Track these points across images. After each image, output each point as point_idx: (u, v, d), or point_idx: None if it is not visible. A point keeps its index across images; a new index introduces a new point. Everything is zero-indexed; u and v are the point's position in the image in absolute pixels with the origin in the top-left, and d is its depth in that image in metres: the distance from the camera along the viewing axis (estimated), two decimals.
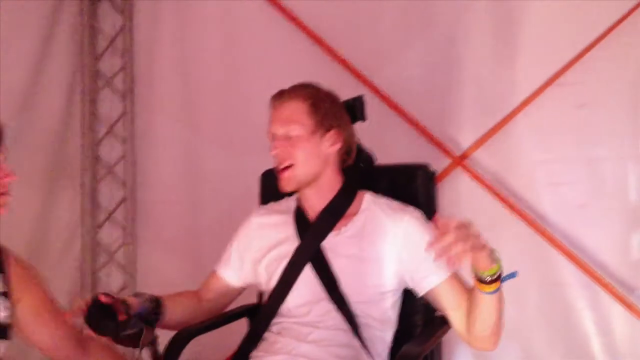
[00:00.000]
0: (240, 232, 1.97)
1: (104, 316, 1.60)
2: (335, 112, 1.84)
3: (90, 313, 1.62)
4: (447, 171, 2.71)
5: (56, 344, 1.75)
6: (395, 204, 1.84)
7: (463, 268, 1.74)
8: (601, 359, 2.54)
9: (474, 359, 2.67)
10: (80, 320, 1.64)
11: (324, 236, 1.80)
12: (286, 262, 1.81)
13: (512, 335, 2.58)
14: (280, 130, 1.80)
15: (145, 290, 3.16)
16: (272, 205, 2.00)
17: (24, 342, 1.74)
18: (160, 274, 3.18)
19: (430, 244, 1.42)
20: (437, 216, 1.51)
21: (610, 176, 2.57)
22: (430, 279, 1.73)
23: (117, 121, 3.27)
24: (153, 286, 3.16)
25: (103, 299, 1.62)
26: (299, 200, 1.90)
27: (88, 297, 1.66)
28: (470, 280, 1.65)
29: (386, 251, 1.76)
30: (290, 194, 1.94)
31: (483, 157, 2.70)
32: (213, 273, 2.01)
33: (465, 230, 1.43)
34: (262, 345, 1.82)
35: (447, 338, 1.94)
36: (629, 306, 2.49)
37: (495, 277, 1.53)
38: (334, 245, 1.79)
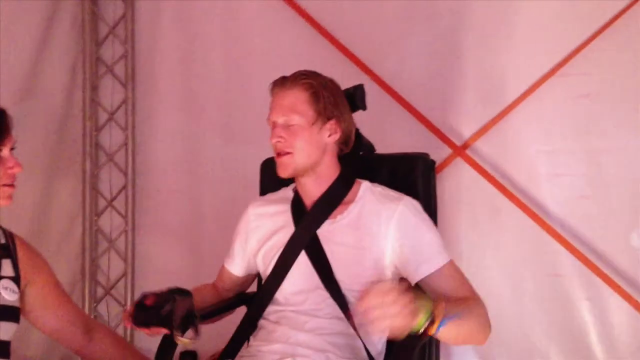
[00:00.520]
0: (239, 225, 1.98)
1: (149, 313, 1.64)
2: (336, 102, 1.83)
3: (136, 315, 1.65)
4: (447, 161, 2.71)
5: (63, 327, 1.78)
6: (391, 192, 1.84)
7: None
8: (599, 350, 2.55)
9: (472, 350, 2.67)
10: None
11: (319, 224, 1.80)
12: (281, 250, 1.82)
13: (510, 325, 2.61)
14: (280, 119, 1.79)
15: (145, 278, 3.22)
16: (269, 195, 2.01)
17: (33, 325, 1.76)
18: (159, 262, 3.19)
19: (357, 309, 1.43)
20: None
21: (611, 167, 2.57)
22: (422, 268, 1.73)
23: (118, 109, 3.27)
24: (152, 274, 3.20)
25: (147, 302, 1.65)
26: (296, 189, 1.90)
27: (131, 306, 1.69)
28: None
29: (381, 239, 1.76)
30: (287, 184, 1.94)
31: (484, 148, 2.70)
32: (222, 267, 2.03)
33: (384, 298, 1.41)
34: (260, 334, 1.83)
35: None
36: (627, 298, 2.50)
37: (427, 325, 1.47)
38: (330, 233, 1.79)
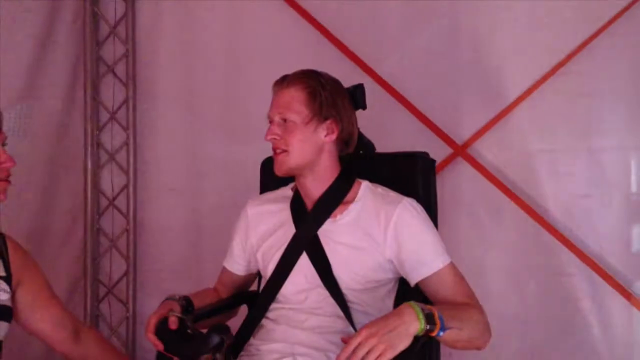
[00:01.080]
0: (238, 224, 1.98)
1: (180, 340, 1.66)
2: (335, 102, 1.82)
3: (167, 342, 1.66)
4: (448, 160, 2.71)
5: (53, 328, 1.78)
6: (391, 193, 1.84)
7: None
8: (600, 349, 2.55)
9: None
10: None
11: (320, 224, 1.81)
12: (282, 250, 1.82)
13: (511, 324, 2.62)
14: (276, 116, 1.81)
15: (147, 277, 3.22)
16: (267, 194, 2.01)
17: (22, 326, 1.77)
18: (161, 261, 3.19)
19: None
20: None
21: (612, 167, 2.58)
22: (421, 270, 1.73)
23: (119, 108, 3.27)
24: (154, 273, 3.20)
25: (172, 326, 1.66)
26: (296, 188, 1.91)
27: (151, 325, 1.69)
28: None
29: (380, 240, 1.76)
30: (287, 183, 1.95)
31: (484, 147, 2.70)
32: (223, 269, 2.04)
33: (372, 331, 1.45)
34: (259, 333, 1.83)
35: None
36: (628, 297, 2.50)
37: (429, 326, 1.50)
38: (329, 232, 1.80)
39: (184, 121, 3.17)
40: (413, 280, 1.75)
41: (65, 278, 3.20)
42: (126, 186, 3.26)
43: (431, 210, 1.94)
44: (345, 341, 1.47)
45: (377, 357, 1.43)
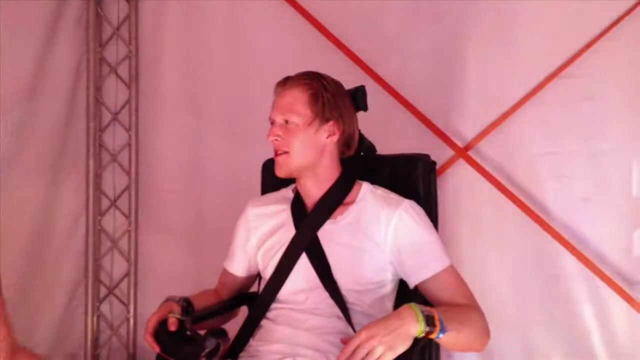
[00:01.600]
0: (238, 225, 1.99)
1: (177, 342, 1.67)
2: (337, 103, 1.83)
3: (165, 344, 1.67)
4: (450, 162, 2.71)
5: None
6: (391, 195, 1.84)
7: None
8: (601, 353, 2.55)
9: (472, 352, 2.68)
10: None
11: (320, 225, 1.81)
12: (282, 251, 1.83)
13: (512, 327, 2.62)
14: (278, 118, 1.81)
15: (148, 278, 3.22)
16: (268, 195, 2.02)
17: None
18: (162, 262, 3.20)
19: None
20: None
21: (614, 170, 2.57)
22: (421, 272, 1.74)
23: (121, 109, 3.27)
24: (155, 274, 3.21)
25: (172, 327, 1.67)
26: (296, 189, 1.91)
27: (150, 326, 1.70)
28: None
29: (380, 242, 1.76)
30: (287, 184, 1.95)
31: (486, 149, 2.70)
32: (223, 270, 2.04)
33: (372, 332, 1.45)
34: (259, 334, 1.83)
35: None
36: (629, 300, 2.50)
37: (428, 328, 1.50)
38: (330, 233, 1.80)
39: (186, 122, 3.17)
40: (413, 282, 1.76)
41: (66, 278, 3.20)
42: (128, 187, 3.27)
43: (432, 212, 1.95)
44: (345, 342, 1.47)
45: (377, 359, 1.43)
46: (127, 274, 3.26)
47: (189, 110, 3.16)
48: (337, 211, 1.83)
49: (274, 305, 1.83)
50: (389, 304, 1.84)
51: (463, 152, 2.70)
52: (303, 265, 1.80)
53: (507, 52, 2.67)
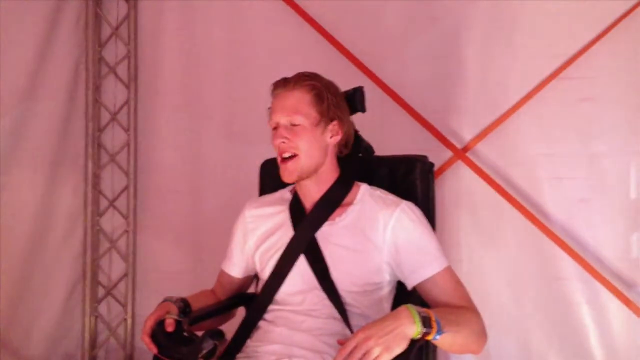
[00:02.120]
0: (236, 226, 1.98)
1: (174, 343, 1.67)
2: (338, 103, 1.84)
3: (162, 345, 1.68)
4: (448, 164, 2.70)
5: None
6: (390, 196, 1.84)
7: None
8: (598, 355, 2.54)
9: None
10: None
11: (318, 226, 1.81)
12: (280, 252, 1.82)
13: (510, 329, 2.61)
14: (283, 120, 1.79)
15: (146, 279, 3.22)
16: (266, 196, 2.01)
17: None
18: (161, 262, 3.20)
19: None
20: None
21: (612, 172, 2.56)
22: (418, 273, 1.73)
23: (120, 109, 3.28)
24: (153, 274, 3.20)
25: (169, 328, 1.67)
26: (295, 191, 1.90)
27: (148, 327, 1.71)
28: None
29: (378, 243, 1.76)
30: (284, 185, 1.94)
31: (485, 151, 2.70)
32: (221, 271, 2.04)
33: (369, 333, 1.45)
34: (257, 335, 1.83)
35: None
36: (627, 302, 2.49)
37: (425, 330, 1.49)
38: (328, 234, 1.80)
39: (184, 123, 3.17)
40: (410, 284, 1.75)
41: (64, 279, 3.20)
42: (126, 187, 3.27)
43: (430, 213, 1.95)
44: (342, 343, 1.47)
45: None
46: (125, 275, 3.26)
47: (188, 110, 3.17)
48: (336, 212, 1.82)
49: (271, 307, 1.83)
50: (387, 305, 1.83)
51: (461, 153, 2.70)
52: (301, 267, 1.79)
53: (505, 53, 2.67)
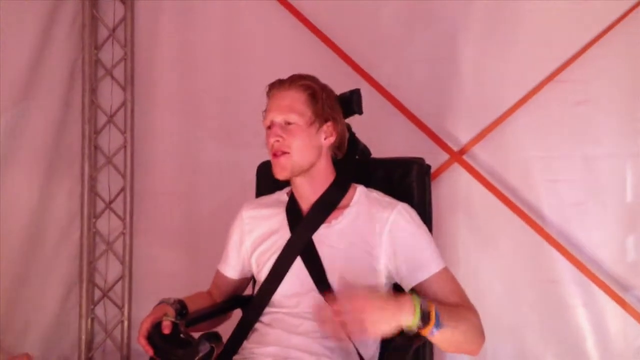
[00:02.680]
0: (233, 228, 1.99)
1: (171, 346, 1.67)
2: (332, 105, 1.85)
3: (158, 347, 1.68)
4: (444, 166, 2.71)
5: None
6: (386, 198, 1.84)
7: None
8: (594, 357, 2.55)
9: (466, 355, 2.67)
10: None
11: (315, 229, 1.81)
12: (277, 254, 1.82)
13: (506, 330, 2.62)
14: (278, 118, 1.80)
15: (142, 281, 3.22)
16: (262, 198, 2.02)
17: None
18: (157, 264, 3.19)
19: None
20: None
21: (608, 174, 2.57)
22: (415, 275, 1.74)
23: (117, 111, 3.27)
24: (150, 276, 3.20)
25: (166, 330, 1.67)
26: (291, 193, 1.91)
27: (144, 329, 1.72)
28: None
29: (375, 245, 1.76)
30: (281, 187, 1.94)
31: (481, 153, 2.70)
32: (217, 272, 2.04)
33: (354, 304, 1.48)
34: (253, 337, 1.83)
35: None
36: (623, 304, 2.50)
37: (421, 325, 1.51)
38: (324, 237, 1.80)
39: (181, 125, 3.17)
40: (408, 285, 1.76)
41: (60, 281, 3.20)
42: (123, 189, 3.26)
43: (426, 215, 1.95)
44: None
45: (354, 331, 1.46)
46: (122, 277, 3.25)
47: (185, 112, 3.17)
48: (332, 215, 1.83)
49: (268, 310, 1.83)
50: None
51: (458, 156, 2.70)
52: (298, 269, 1.80)
53: (502, 56, 2.67)
